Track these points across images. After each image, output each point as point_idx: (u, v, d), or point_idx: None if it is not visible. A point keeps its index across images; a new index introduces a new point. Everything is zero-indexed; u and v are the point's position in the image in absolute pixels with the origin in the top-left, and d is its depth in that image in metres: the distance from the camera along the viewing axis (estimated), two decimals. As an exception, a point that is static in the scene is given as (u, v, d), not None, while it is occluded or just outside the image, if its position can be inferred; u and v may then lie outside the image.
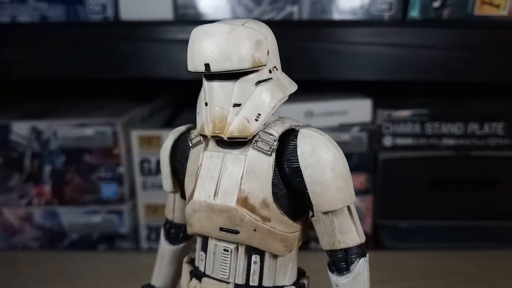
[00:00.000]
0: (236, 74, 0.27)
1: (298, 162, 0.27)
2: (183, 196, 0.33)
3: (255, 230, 0.28)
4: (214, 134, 0.28)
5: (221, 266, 0.29)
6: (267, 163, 0.28)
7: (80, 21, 0.59)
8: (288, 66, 0.58)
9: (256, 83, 0.28)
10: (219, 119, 0.28)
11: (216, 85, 0.28)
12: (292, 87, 0.30)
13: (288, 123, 0.29)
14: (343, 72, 0.58)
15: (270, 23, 0.33)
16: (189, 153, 0.31)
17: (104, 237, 0.65)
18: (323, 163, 0.27)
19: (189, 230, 0.31)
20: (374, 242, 0.65)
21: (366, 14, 0.58)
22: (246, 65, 0.27)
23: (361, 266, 0.28)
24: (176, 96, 0.87)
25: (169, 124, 0.75)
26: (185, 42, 0.28)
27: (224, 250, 0.29)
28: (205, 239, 0.30)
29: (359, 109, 0.64)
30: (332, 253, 0.28)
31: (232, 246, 0.29)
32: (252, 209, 0.28)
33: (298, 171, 0.28)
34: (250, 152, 0.28)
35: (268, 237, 0.28)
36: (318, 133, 0.28)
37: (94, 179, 0.64)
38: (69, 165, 0.63)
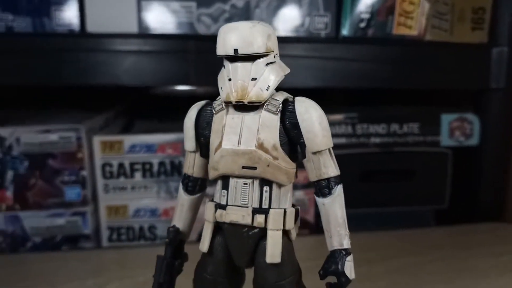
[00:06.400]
0: (254, 57, 0.37)
1: (296, 119, 0.37)
2: (202, 155, 0.42)
3: (268, 165, 0.37)
4: (238, 100, 0.37)
5: (242, 196, 0.38)
6: (275, 120, 0.38)
7: (46, 32, 0.63)
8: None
9: (266, 64, 0.38)
10: (241, 89, 0.37)
11: (239, 65, 0.37)
12: (286, 70, 0.40)
13: (285, 94, 0.39)
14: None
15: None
16: (212, 118, 0.40)
17: (68, 239, 0.68)
18: (314, 118, 0.37)
19: (214, 174, 0.39)
20: (316, 228, 0.75)
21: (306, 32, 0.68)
22: (262, 50, 0.37)
23: (339, 190, 0.38)
24: (129, 106, 0.92)
25: (126, 130, 0.80)
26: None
27: (244, 184, 0.38)
28: (226, 180, 0.39)
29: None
30: (318, 182, 0.38)
31: (250, 181, 0.38)
32: (266, 151, 0.37)
33: (295, 125, 0.37)
34: (263, 113, 0.38)
35: (277, 171, 0.38)
36: (308, 99, 0.38)
37: (57, 183, 0.67)
38: (32, 170, 0.66)
